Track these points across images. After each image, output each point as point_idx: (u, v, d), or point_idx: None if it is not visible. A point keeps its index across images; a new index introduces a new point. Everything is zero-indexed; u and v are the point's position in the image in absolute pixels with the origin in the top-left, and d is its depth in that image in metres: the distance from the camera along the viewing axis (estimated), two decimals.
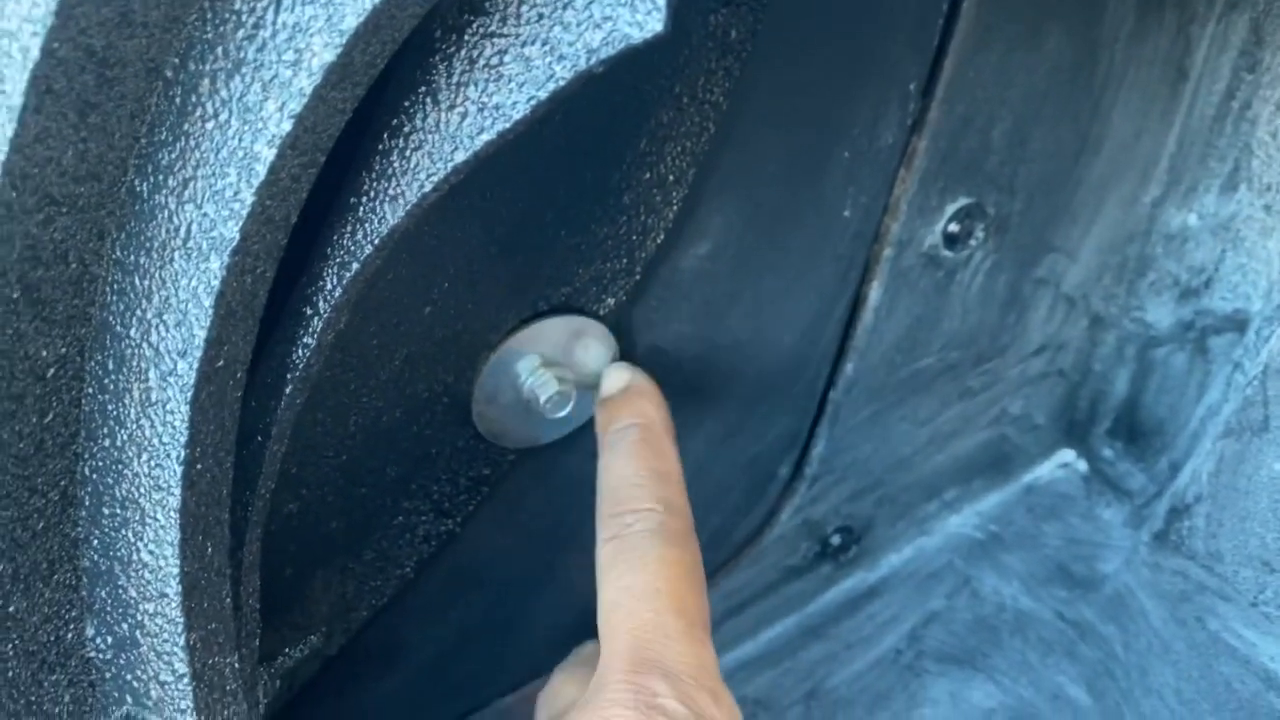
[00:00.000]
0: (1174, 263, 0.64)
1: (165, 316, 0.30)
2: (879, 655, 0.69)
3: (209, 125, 0.29)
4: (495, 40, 0.30)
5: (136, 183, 0.30)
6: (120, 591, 0.33)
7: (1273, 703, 0.61)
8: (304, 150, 0.29)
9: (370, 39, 0.28)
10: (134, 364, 0.31)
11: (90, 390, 0.32)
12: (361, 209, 0.34)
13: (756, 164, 0.49)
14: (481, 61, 0.31)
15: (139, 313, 0.31)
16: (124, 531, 0.32)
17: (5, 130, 0.27)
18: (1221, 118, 0.60)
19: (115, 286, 0.31)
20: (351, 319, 0.37)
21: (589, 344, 0.49)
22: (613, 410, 0.47)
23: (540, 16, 0.30)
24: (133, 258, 0.30)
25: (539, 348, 0.48)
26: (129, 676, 0.33)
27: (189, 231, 0.30)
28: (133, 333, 0.31)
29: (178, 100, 0.29)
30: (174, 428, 0.31)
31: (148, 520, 0.32)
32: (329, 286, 0.34)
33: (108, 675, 0.34)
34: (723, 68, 0.45)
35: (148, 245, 0.30)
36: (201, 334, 0.30)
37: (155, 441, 0.31)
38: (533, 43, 0.30)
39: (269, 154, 0.29)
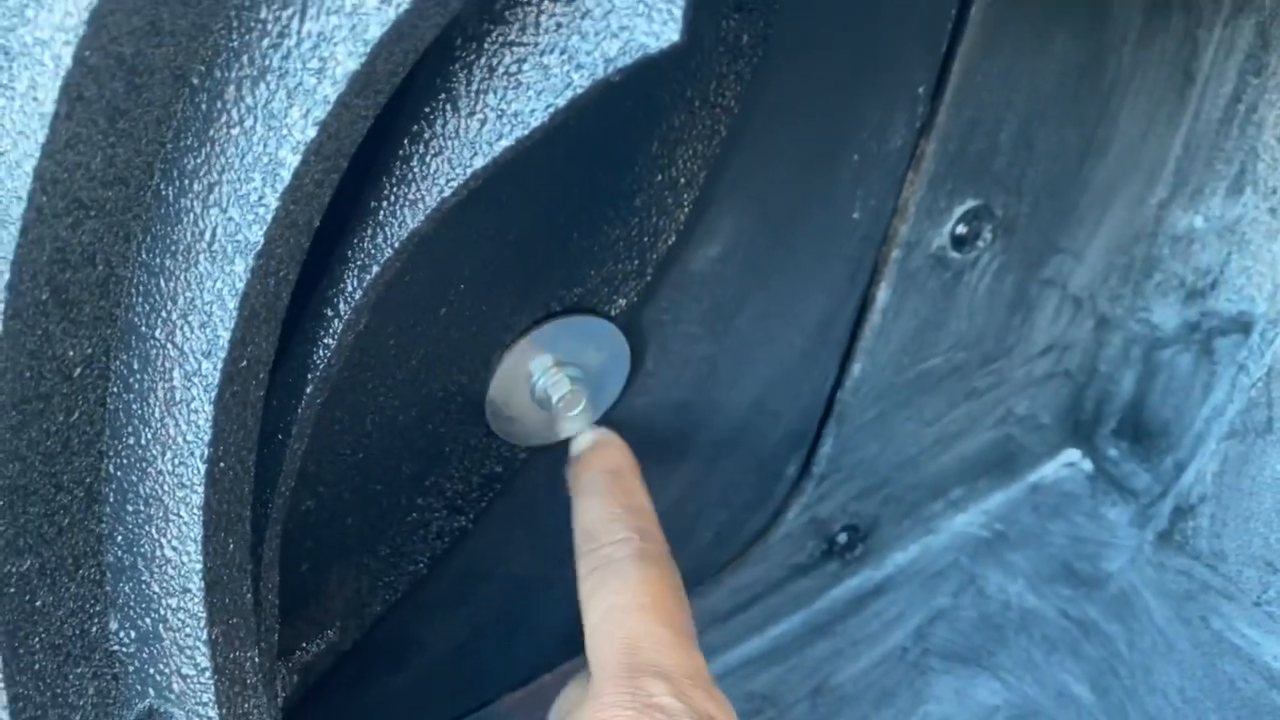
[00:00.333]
0: (1180, 264, 0.64)
1: (190, 318, 0.31)
2: (885, 652, 0.70)
3: (234, 131, 0.30)
4: (514, 49, 0.31)
5: (163, 187, 0.30)
6: (144, 587, 0.33)
7: (1276, 701, 0.62)
8: (327, 156, 0.30)
9: (393, 48, 0.29)
10: (159, 364, 0.32)
11: (115, 389, 0.32)
12: (382, 213, 0.34)
13: (767, 167, 0.49)
14: (501, 69, 0.31)
15: (164, 314, 0.31)
16: (148, 528, 0.33)
17: (37, 136, 0.27)
18: (1228, 121, 0.60)
19: (141, 288, 0.31)
20: (370, 320, 0.37)
21: (600, 344, 0.50)
22: (583, 464, 0.49)
23: (559, 26, 0.30)
24: (158, 260, 0.31)
25: (551, 347, 0.49)
26: (152, 670, 0.34)
27: (214, 235, 0.30)
28: (158, 333, 0.31)
29: (204, 106, 0.30)
30: (198, 427, 0.32)
31: (171, 517, 0.33)
32: (349, 289, 0.35)
33: (131, 668, 0.34)
34: (734, 72, 0.45)
35: (173, 248, 0.31)
36: (226, 335, 0.31)
37: (179, 440, 0.32)
38: (551, 51, 0.31)
39: (293, 159, 0.29)
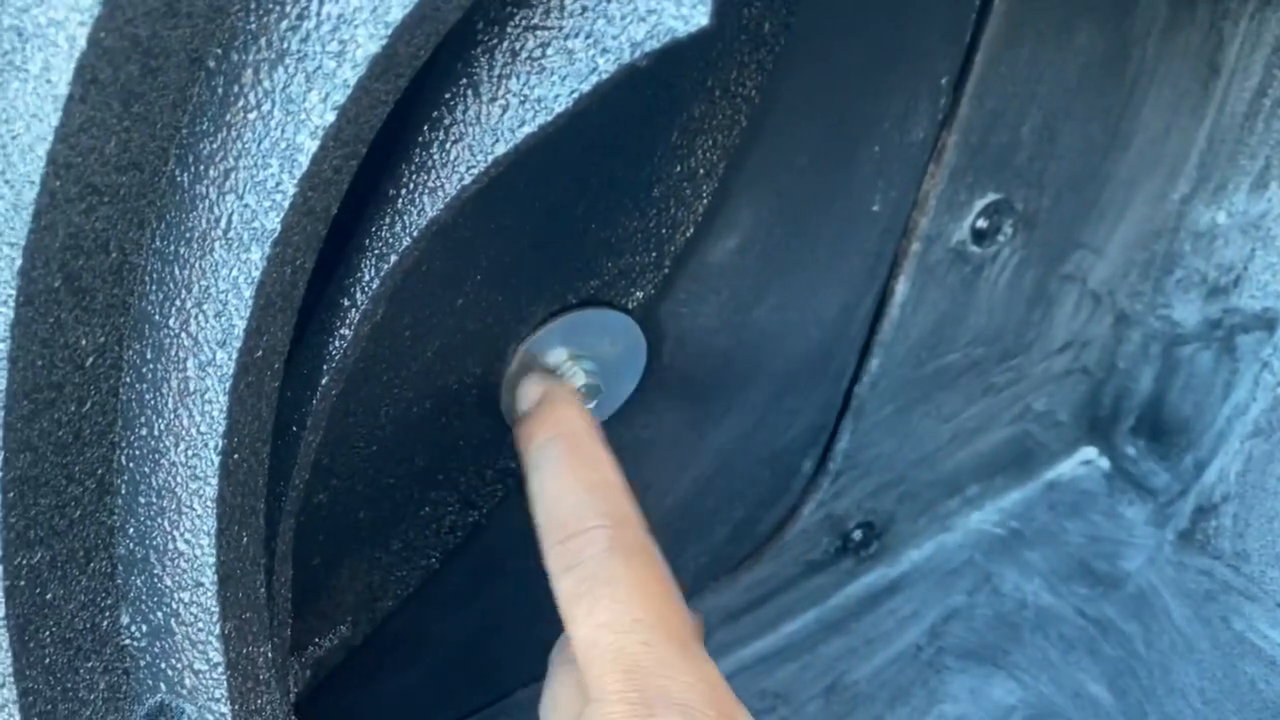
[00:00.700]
0: (1202, 260, 0.64)
1: (205, 306, 0.30)
2: (899, 651, 0.69)
3: (251, 116, 0.29)
4: (538, 33, 0.30)
5: (177, 173, 0.30)
6: (156, 580, 0.33)
7: None
8: (346, 141, 0.29)
9: (415, 31, 0.28)
10: (172, 353, 0.31)
11: (128, 379, 0.32)
12: (400, 201, 0.34)
13: (786, 158, 0.48)
14: (524, 54, 0.31)
15: (178, 303, 0.31)
16: (160, 520, 0.32)
17: (51, 119, 0.27)
18: (1253, 115, 0.60)
19: (155, 276, 0.31)
20: (387, 311, 0.36)
21: (616, 337, 0.49)
22: (530, 427, 0.43)
23: (584, 9, 0.30)
24: (173, 248, 0.30)
25: (567, 340, 0.48)
26: (163, 664, 0.33)
27: (230, 222, 0.30)
28: (172, 322, 0.31)
29: (220, 90, 0.29)
30: (212, 418, 0.31)
31: (184, 509, 0.32)
32: (367, 278, 0.34)
33: (142, 663, 0.34)
34: (755, 61, 0.45)
35: (188, 235, 0.30)
36: (241, 324, 0.30)
37: (193, 431, 0.31)
38: (576, 35, 0.30)
39: (311, 145, 0.29)
